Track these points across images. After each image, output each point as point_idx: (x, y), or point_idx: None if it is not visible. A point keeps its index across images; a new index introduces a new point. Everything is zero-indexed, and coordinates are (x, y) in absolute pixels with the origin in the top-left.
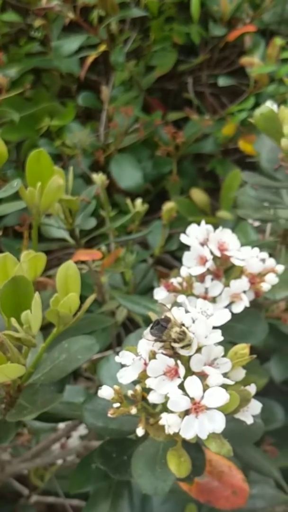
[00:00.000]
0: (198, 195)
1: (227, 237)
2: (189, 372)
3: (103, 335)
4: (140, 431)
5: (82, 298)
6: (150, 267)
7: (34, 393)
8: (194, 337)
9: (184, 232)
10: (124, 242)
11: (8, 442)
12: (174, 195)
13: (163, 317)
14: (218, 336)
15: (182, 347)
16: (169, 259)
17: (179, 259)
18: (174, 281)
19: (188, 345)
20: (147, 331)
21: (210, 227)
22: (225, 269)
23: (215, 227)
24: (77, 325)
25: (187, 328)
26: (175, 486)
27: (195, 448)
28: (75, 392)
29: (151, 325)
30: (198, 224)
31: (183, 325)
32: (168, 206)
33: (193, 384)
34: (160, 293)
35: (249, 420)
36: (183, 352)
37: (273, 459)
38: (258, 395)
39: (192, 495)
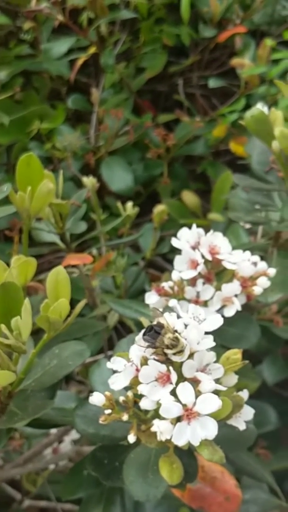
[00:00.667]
0: (189, 197)
1: (218, 240)
2: (181, 378)
3: (95, 339)
4: (131, 438)
5: (74, 302)
6: (141, 270)
7: (25, 399)
8: (186, 343)
9: (175, 234)
10: (116, 246)
11: None
12: (165, 198)
13: (155, 322)
14: (210, 341)
15: (175, 354)
16: (161, 261)
17: (171, 262)
18: (165, 285)
19: (181, 351)
20: (139, 337)
21: (201, 230)
22: (216, 273)
23: (207, 229)
24: (68, 329)
25: (179, 334)
26: (168, 492)
27: (187, 454)
28: (66, 398)
29: (143, 331)
30: (190, 227)
31: (175, 331)
32: (159, 209)
33: (185, 391)
34: (151, 298)
35: (242, 426)
36: (175, 358)
37: (266, 463)
38: (250, 398)
39: (184, 502)
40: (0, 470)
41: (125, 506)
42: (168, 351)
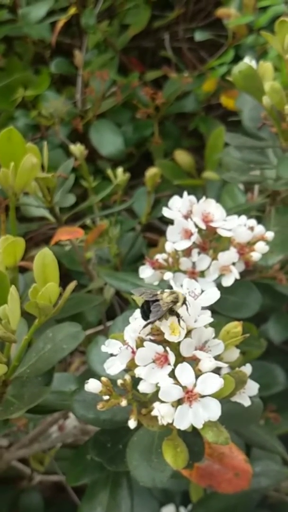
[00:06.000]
0: (183, 157)
1: (211, 207)
2: (179, 358)
3: (95, 308)
4: (132, 423)
5: (72, 273)
6: (138, 235)
7: (21, 386)
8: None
9: (171, 196)
10: (110, 214)
11: None
12: (158, 158)
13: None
14: (207, 317)
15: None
16: (158, 223)
17: (169, 223)
18: (159, 257)
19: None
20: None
21: (193, 198)
22: (211, 240)
23: (202, 189)
24: (64, 306)
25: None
26: (175, 471)
27: (192, 432)
28: (66, 380)
29: (141, 305)
30: (184, 188)
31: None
32: (151, 172)
33: (184, 372)
34: (145, 271)
35: (247, 402)
36: (172, 338)
37: (276, 426)
38: (257, 359)
39: (193, 480)
40: (6, 452)
41: (132, 488)
42: (177, 305)
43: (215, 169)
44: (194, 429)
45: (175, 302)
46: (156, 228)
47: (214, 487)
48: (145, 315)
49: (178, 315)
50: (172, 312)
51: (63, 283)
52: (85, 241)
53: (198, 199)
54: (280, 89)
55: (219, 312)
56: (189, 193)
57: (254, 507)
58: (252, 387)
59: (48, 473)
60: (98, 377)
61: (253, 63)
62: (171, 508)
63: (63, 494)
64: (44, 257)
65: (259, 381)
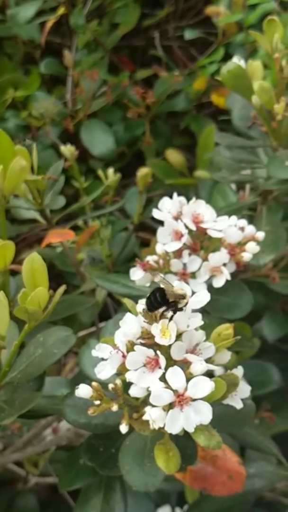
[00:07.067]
0: (174, 156)
1: (201, 208)
2: (170, 361)
3: (88, 309)
4: (123, 428)
5: (64, 274)
6: (130, 235)
7: (12, 392)
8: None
9: (163, 195)
10: (102, 215)
11: None
12: (150, 157)
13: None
14: (198, 320)
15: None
16: (151, 223)
17: (161, 222)
18: (150, 259)
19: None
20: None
21: (183, 199)
22: (202, 241)
23: (194, 188)
24: (55, 308)
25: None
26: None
27: (184, 436)
28: (58, 384)
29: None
30: (176, 187)
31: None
32: (142, 172)
33: (175, 375)
34: (136, 273)
35: (239, 405)
36: (163, 342)
37: (271, 426)
38: (252, 357)
39: (186, 483)
40: (0, 456)
41: (126, 492)
42: (183, 302)
43: (207, 167)
44: (186, 432)
45: (183, 297)
46: (149, 227)
47: (207, 490)
48: (155, 301)
49: (177, 310)
50: (174, 305)
51: (56, 283)
52: (76, 242)
53: (190, 197)
54: (269, 88)
55: (211, 313)
56: (181, 192)
57: (251, 506)
58: (244, 389)
59: (44, 475)
60: (90, 380)
61: (242, 63)
62: (166, 509)
63: (59, 496)
64: (33, 262)
65: (254, 379)
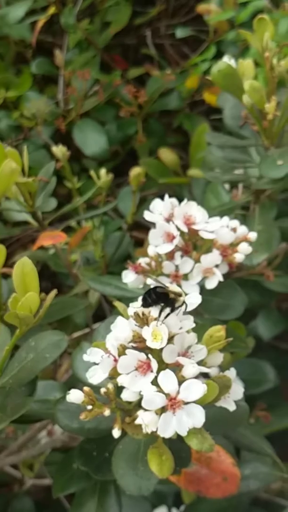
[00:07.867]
0: (167, 155)
1: (193, 210)
2: (162, 364)
3: (83, 310)
4: (116, 433)
5: (58, 275)
6: (124, 234)
7: (4, 397)
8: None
9: (156, 194)
10: (95, 215)
11: None
12: (143, 156)
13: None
14: (190, 322)
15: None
16: (145, 222)
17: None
18: (142, 261)
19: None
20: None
21: (174, 200)
22: (194, 242)
23: (187, 187)
24: (48, 311)
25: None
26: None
27: (178, 438)
28: (50, 388)
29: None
30: (169, 186)
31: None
32: (135, 171)
33: (167, 379)
34: (128, 276)
35: (232, 407)
36: (154, 345)
37: (266, 425)
38: (247, 356)
39: (181, 486)
40: None
41: (120, 496)
42: (180, 299)
43: (200, 166)
44: (179, 435)
45: (180, 294)
46: (143, 226)
47: (202, 492)
48: (150, 300)
49: (175, 309)
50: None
51: (51, 283)
52: (68, 244)
53: (185, 196)
54: (260, 88)
55: (204, 315)
56: (174, 191)
57: (248, 506)
58: (237, 391)
59: (40, 477)
60: (82, 384)
61: (232, 62)
62: (163, 510)
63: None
64: (23, 266)
65: (249, 378)
